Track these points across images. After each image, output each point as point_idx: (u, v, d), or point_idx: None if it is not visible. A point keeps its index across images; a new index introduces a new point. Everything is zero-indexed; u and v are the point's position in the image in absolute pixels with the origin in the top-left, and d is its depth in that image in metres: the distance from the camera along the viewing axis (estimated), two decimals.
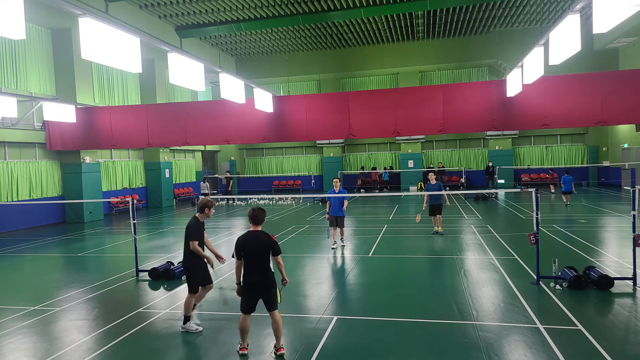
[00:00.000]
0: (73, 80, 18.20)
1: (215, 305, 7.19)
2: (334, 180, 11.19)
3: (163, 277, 8.82)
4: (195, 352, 5.49)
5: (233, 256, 5.16)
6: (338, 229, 11.26)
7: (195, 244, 6.01)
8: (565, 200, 17.81)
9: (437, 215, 12.66)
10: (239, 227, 15.98)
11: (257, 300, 5.17)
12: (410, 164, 29.89)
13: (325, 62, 29.60)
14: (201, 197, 6.32)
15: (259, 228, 5.24)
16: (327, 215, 11.32)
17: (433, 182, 12.75)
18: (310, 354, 5.25)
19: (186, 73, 10.48)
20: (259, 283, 5.12)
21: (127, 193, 22.07)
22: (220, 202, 24.64)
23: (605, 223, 14.09)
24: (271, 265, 5.12)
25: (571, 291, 7.18)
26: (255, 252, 5.08)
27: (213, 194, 26.69)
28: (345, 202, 11.10)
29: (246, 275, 5.14)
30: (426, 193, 11.98)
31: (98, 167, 19.84)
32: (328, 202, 11.25)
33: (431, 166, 29.72)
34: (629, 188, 7.65)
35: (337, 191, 10.98)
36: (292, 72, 29.33)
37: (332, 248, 11.14)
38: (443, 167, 29.61)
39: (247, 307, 5.21)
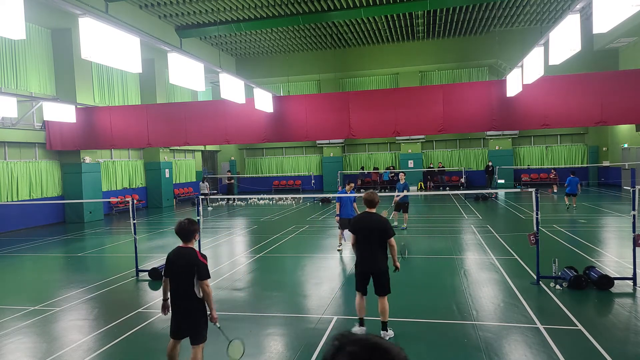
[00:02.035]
0: (73, 80, 18.20)
1: (215, 305, 7.18)
2: (351, 184, 10.79)
3: None
4: None
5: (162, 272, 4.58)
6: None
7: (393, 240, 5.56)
8: (567, 202, 16.93)
9: (404, 213, 13.89)
10: (239, 227, 15.98)
11: (183, 327, 4.42)
12: (410, 164, 29.89)
13: (325, 62, 29.61)
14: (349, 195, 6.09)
15: (189, 245, 4.44)
16: (337, 218, 10.78)
17: (402, 181, 13.95)
18: (310, 354, 5.25)
19: (186, 73, 10.48)
20: (182, 311, 4.35)
21: (127, 193, 22.07)
22: (220, 202, 24.65)
23: (605, 223, 14.09)
24: (198, 291, 4.33)
25: (571, 291, 7.18)
26: (178, 272, 4.32)
27: (213, 194, 26.70)
28: (355, 205, 10.67)
29: (171, 298, 4.42)
30: (401, 193, 13.06)
31: (98, 167, 19.84)
32: (338, 203, 10.72)
33: (431, 166, 29.75)
34: (629, 188, 7.65)
35: (348, 193, 10.56)
36: (292, 72, 29.33)
37: (338, 250, 10.77)
38: (443, 167, 29.63)
39: (174, 333, 4.45)
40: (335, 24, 24.36)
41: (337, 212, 10.73)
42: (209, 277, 4.31)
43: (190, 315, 4.33)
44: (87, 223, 18.41)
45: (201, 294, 4.32)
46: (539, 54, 11.47)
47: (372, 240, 5.48)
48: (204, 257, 4.36)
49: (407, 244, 6.63)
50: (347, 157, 32.26)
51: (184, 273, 4.28)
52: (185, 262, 4.30)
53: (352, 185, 10.86)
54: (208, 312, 4.40)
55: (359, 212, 10.72)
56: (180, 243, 4.52)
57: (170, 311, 4.45)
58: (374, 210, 5.65)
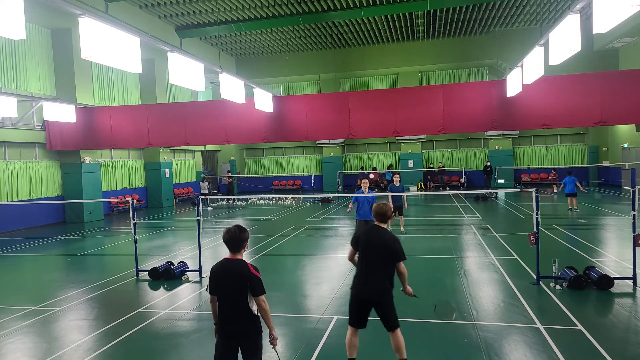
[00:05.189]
0: (73, 80, 18.20)
1: None
2: (364, 181, 10.43)
3: (163, 277, 8.82)
4: (195, 353, 5.48)
5: (207, 289, 3.97)
6: None
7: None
8: (570, 204, 16.56)
9: (400, 216, 13.03)
10: None
11: (235, 351, 3.83)
12: (410, 164, 29.90)
13: (325, 62, 29.61)
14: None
15: (238, 256, 3.87)
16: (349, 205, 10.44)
17: (397, 184, 13.17)
18: (310, 354, 5.25)
19: (186, 73, 10.48)
20: (234, 330, 3.78)
21: (127, 193, 22.07)
22: (220, 202, 24.65)
23: (605, 223, 14.09)
24: (253, 307, 3.81)
25: (571, 291, 7.18)
26: (228, 288, 3.79)
27: (213, 194, 26.70)
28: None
29: (220, 317, 3.87)
30: (390, 193, 12.19)
31: (98, 167, 19.84)
32: (352, 204, 10.40)
33: (431, 166, 29.75)
34: (629, 188, 7.65)
35: (365, 192, 10.18)
36: (292, 72, 29.33)
37: None
38: (443, 167, 29.63)
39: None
40: (335, 24, 24.36)
41: (350, 206, 10.52)
42: (264, 292, 3.79)
43: (245, 335, 3.77)
44: (87, 223, 18.41)
45: (257, 312, 3.81)
46: (539, 54, 11.47)
47: (373, 260, 4.59)
48: (256, 269, 3.81)
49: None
50: (347, 157, 32.26)
51: (236, 289, 3.75)
52: (236, 277, 3.75)
53: (366, 181, 10.50)
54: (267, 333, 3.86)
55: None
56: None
57: (217, 334, 3.89)
58: (384, 226, 4.81)
